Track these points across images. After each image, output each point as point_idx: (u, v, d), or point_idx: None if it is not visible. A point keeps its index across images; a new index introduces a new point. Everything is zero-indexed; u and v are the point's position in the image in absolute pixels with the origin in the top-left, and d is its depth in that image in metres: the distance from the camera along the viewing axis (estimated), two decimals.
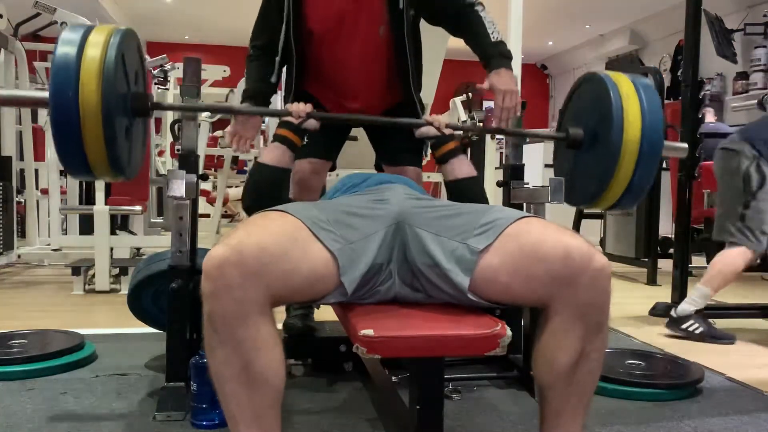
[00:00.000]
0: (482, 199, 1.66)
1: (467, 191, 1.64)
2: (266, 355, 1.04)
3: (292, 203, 1.45)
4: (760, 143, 2.63)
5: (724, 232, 2.70)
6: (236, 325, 1.01)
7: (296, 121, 1.63)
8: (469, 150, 4.76)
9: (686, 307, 2.71)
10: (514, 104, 1.76)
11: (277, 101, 2.67)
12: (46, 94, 1.41)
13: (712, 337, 2.65)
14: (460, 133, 4.65)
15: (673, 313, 2.76)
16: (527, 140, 2.17)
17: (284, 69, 2.00)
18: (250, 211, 1.57)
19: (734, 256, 2.66)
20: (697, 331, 2.67)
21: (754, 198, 2.60)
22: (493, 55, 1.77)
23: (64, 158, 1.47)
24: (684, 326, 2.69)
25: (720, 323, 2.81)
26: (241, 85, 5.67)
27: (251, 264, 1.01)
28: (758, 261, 4.46)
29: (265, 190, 1.59)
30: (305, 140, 2.03)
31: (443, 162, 1.68)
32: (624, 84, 1.64)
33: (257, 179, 1.62)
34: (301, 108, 1.63)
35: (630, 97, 1.61)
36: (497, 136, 4.86)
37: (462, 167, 1.67)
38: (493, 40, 1.78)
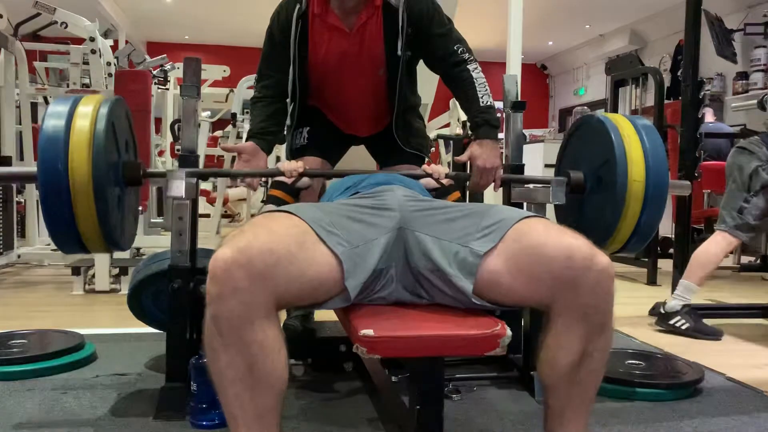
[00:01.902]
0: None
1: None
2: (271, 357, 1.03)
3: (296, 204, 1.45)
4: None
5: (721, 223, 2.80)
6: (242, 328, 1.01)
7: (289, 181, 1.61)
8: None
9: (673, 303, 2.78)
10: (490, 182, 1.76)
11: None
12: (35, 170, 1.38)
13: (699, 332, 2.70)
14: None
15: (662, 309, 2.83)
16: (527, 140, 2.17)
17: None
18: None
19: (712, 247, 2.76)
20: (683, 327, 2.72)
21: (756, 195, 2.71)
22: (480, 123, 1.77)
23: (55, 234, 1.44)
24: (671, 322, 2.76)
25: (720, 323, 2.82)
26: (242, 85, 5.70)
27: (259, 266, 1.00)
28: (758, 261, 4.49)
29: None
30: (305, 141, 2.04)
31: None
32: (624, 125, 1.63)
33: None
34: (293, 166, 1.62)
35: (630, 137, 1.60)
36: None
37: None
38: (482, 104, 1.78)
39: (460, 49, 1.82)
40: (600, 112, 1.73)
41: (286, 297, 1.07)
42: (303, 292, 1.11)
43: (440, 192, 1.65)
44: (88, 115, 1.41)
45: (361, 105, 1.98)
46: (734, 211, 2.74)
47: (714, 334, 2.69)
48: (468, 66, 1.81)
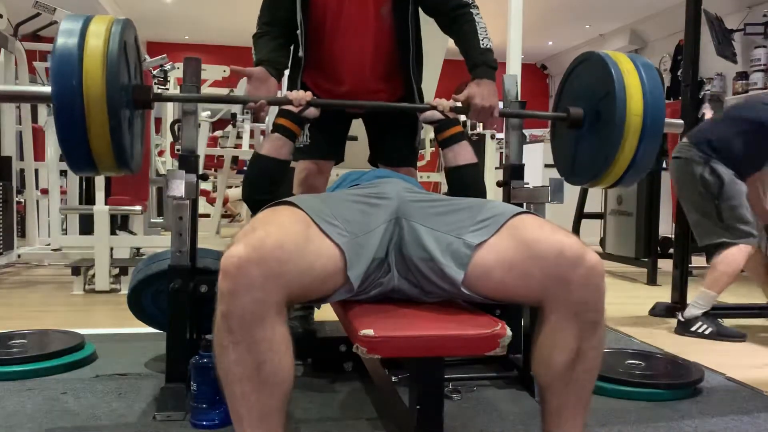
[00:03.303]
0: (480, 186, 1.66)
1: (467, 178, 1.64)
2: (279, 356, 1.04)
3: (298, 195, 1.46)
4: (703, 145, 2.71)
5: (711, 235, 2.72)
6: (254, 326, 1.01)
7: (296, 110, 1.61)
8: None
9: (693, 311, 2.76)
10: (487, 119, 1.75)
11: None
12: (47, 89, 1.38)
13: (722, 335, 2.69)
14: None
15: (680, 317, 2.80)
16: (527, 140, 2.18)
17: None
18: (249, 203, 1.59)
19: (735, 255, 2.69)
20: (706, 332, 2.71)
21: (719, 198, 2.66)
22: (479, 63, 1.77)
23: (67, 150, 1.44)
24: (693, 329, 2.73)
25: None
26: (242, 84, 5.69)
27: (272, 264, 1.01)
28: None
29: (264, 183, 1.59)
30: (307, 140, 2.04)
31: (446, 146, 1.67)
32: (623, 61, 1.66)
33: (255, 171, 1.62)
34: (301, 96, 1.62)
35: (630, 72, 1.63)
36: (497, 136, 4.87)
37: (464, 153, 1.66)
38: (482, 46, 1.78)
39: None
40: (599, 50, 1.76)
41: (296, 292, 1.08)
42: (312, 285, 1.13)
43: (442, 124, 1.66)
44: (101, 34, 1.41)
45: (361, 53, 1.93)
46: (718, 222, 2.67)
47: (737, 336, 2.68)
48: (471, 10, 1.82)
